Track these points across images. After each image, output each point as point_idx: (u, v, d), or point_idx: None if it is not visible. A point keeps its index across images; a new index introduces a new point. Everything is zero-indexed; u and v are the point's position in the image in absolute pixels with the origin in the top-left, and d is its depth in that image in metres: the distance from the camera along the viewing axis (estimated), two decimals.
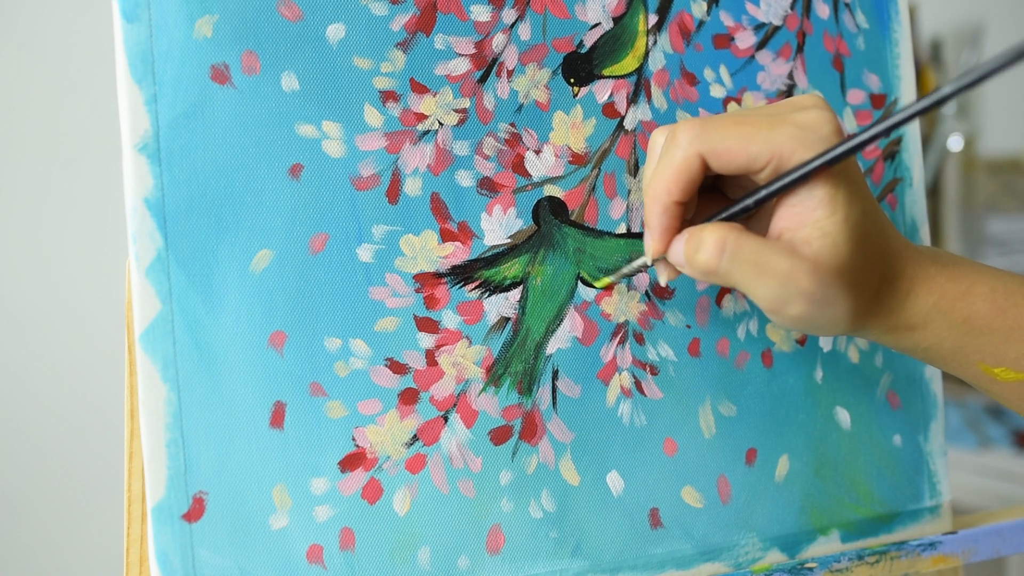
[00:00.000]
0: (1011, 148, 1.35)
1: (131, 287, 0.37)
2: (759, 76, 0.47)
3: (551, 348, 0.43)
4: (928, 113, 0.34)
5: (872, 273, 0.36)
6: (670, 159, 0.36)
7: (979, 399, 1.14)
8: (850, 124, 0.49)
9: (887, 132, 0.34)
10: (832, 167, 0.35)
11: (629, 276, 0.42)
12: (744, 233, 0.35)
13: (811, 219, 0.35)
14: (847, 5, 0.49)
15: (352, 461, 0.40)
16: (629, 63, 0.45)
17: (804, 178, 0.35)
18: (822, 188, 0.35)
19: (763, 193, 0.36)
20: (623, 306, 0.44)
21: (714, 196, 0.40)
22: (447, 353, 0.41)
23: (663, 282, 0.39)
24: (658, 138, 0.38)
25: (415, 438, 0.41)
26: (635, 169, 0.45)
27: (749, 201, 0.36)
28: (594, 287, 0.43)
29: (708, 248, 0.35)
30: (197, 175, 0.38)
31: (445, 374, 0.41)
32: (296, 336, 0.39)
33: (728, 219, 0.37)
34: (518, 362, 0.42)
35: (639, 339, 0.44)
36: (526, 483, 0.42)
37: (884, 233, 0.37)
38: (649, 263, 0.39)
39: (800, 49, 0.48)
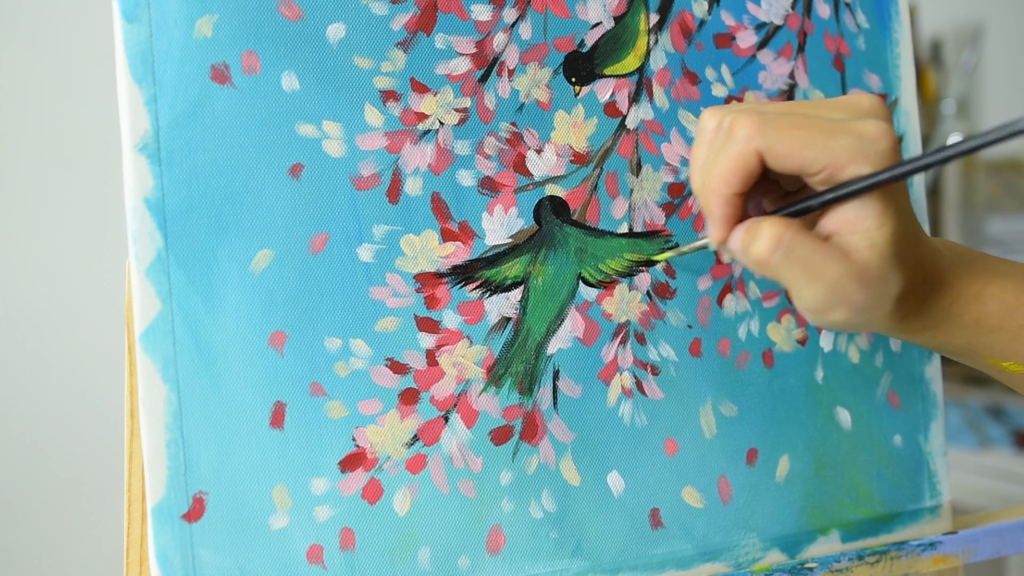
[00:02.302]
0: (1011, 148, 1.35)
1: (131, 287, 0.37)
2: (760, 75, 0.47)
3: (552, 348, 0.43)
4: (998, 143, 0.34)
5: (905, 282, 0.37)
6: (728, 154, 0.36)
7: (979, 399, 1.14)
8: None
9: (946, 160, 0.35)
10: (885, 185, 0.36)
11: (689, 253, 0.43)
12: (801, 232, 0.36)
13: (861, 227, 0.36)
14: (848, 5, 0.49)
15: (352, 461, 0.40)
16: (630, 62, 0.45)
17: (863, 191, 0.35)
18: (877, 201, 0.35)
19: (828, 197, 0.36)
20: (624, 306, 0.44)
21: (766, 183, 0.40)
22: (448, 353, 0.41)
23: (725, 260, 0.40)
24: (709, 121, 0.38)
25: (415, 438, 0.41)
26: (637, 168, 0.45)
27: (813, 203, 0.37)
28: (654, 262, 0.44)
29: (764, 241, 0.36)
30: (197, 175, 0.38)
31: (446, 374, 0.41)
32: (296, 336, 0.39)
33: (787, 215, 0.38)
34: (519, 362, 0.42)
35: (640, 339, 0.44)
36: (526, 483, 0.42)
37: (918, 242, 0.38)
38: (713, 247, 0.39)
39: (801, 49, 0.48)
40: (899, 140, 0.37)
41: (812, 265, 0.35)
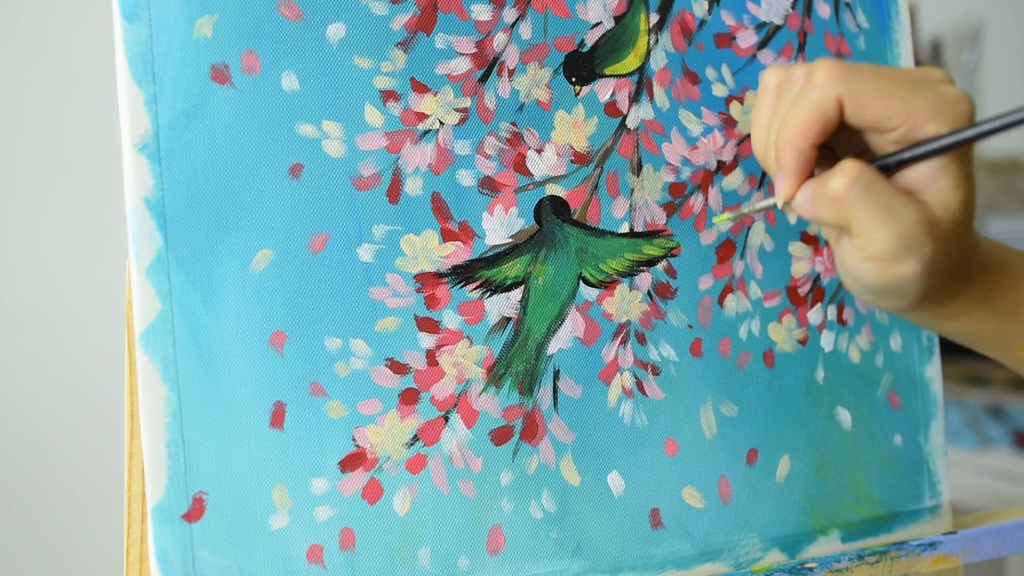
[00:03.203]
0: (1011, 148, 1.35)
1: (131, 287, 0.37)
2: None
3: (552, 348, 0.43)
4: None
5: (956, 256, 0.37)
6: (807, 100, 0.36)
7: (979, 399, 1.14)
8: None
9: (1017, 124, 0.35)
10: (963, 147, 0.36)
11: (751, 215, 0.42)
12: (880, 175, 0.36)
13: (935, 187, 0.36)
14: (848, 5, 0.49)
15: (352, 461, 0.39)
16: (631, 62, 0.45)
17: (945, 149, 0.35)
18: (954, 163, 0.35)
19: (908, 155, 0.36)
20: (625, 306, 0.44)
21: (824, 152, 0.40)
22: (448, 353, 0.41)
23: (782, 206, 0.39)
24: (772, 77, 0.38)
25: (415, 438, 0.41)
26: (638, 168, 0.45)
27: (891, 160, 0.36)
28: (715, 223, 0.44)
29: (843, 176, 0.35)
30: (197, 175, 0.38)
31: (446, 374, 0.41)
32: (296, 336, 0.39)
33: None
34: (519, 362, 0.42)
35: (641, 339, 0.44)
36: (527, 483, 0.42)
37: (972, 226, 0.38)
38: (779, 205, 0.38)
39: (801, 48, 0.48)
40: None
41: (889, 207, 0.35)
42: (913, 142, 0.36)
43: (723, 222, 0.44)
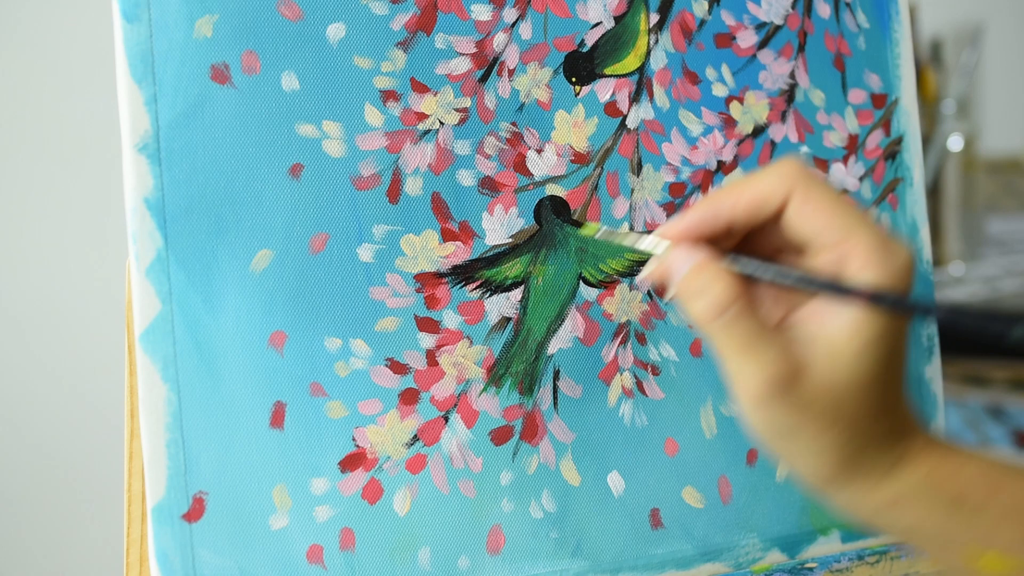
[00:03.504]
0: (1011, 148, 1.35)
1: (131, 287, 0.37)
2: (761, 75, 0.47)
3: (552, 348, 0.43)
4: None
5: (863, 424, 0.32)
6: (760, 177, 0.33)
7: (979, 399, 1.14)
8: (851, 123, 0.49)
9: (951, 321, 0.31)
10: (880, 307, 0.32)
11: (620, 243, 0.39)
12: (751, 308, 0.32)
13: (828, 328, 0.32)
14: (848, 5, 0.49)
15: (352, 461, 0.39)
16: (631, 62, 0.45)
17: (852, 297, 0.31)
18: (875, 323, 0.31)
19: (814, 284, 0.32)
20: (625, 306, 0.44)
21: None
22: (448, 353, 0.41)
23: (640, 277, 0.36)
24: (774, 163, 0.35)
25: (415, 438, 0.41)
26: (638, 168, 0.45)
27: (793, 279, 0.32)
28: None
29: (710, 300, 0.32)
30: (197, 175, 0.38)
31: (446, 374, 0.41)
32: (296, 336, 0.39)
33: (748, 277, 0.33)
34: (519, 362, 0.42)
35: (641, 339, 0.44)
36: (527, 483, 0.42)
37: (897, 391, 0.33)
38: (655, 252, 0.34)
39: (801, 48, 0.48)
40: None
41: (752, 343, 0.31)
42: (832, 275, 0.32)
43: (592, 232, 0.41)
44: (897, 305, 0.31)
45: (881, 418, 0.33)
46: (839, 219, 0.32)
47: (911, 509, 0.33)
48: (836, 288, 0.32)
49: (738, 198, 0.33)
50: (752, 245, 0.35)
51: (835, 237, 0.32)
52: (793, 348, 0.32)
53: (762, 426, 0.32)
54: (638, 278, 0.37)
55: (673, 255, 0.33)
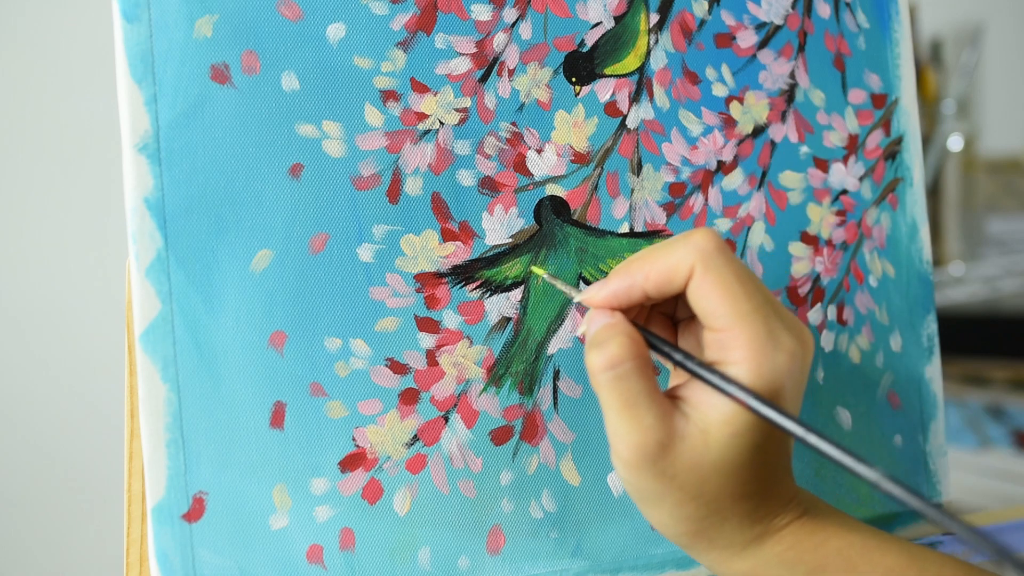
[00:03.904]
0: (1011, 148, 1.35)
1: (131, 287, 0.37)
2: (761, 75, 0.47)
3: (552, 348, 0.43)
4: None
5: (725, 503, 0.34)
6: (671, 251, 0.34)
7: (979, 399, 1.14)
8: (851, 123, 0.49)
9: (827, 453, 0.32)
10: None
11: (561, 287, 0.40)
12: (640, 370, 0.33)
13: (705, 409, 0.33)
14: (848, 5, 0.49)
15: (352, 461, 0.39)
16: (631, 62, 0.45)
17: (722, 393, 0.33)
18: (734, 406, 0.33)
19: (692, 367, 0.34)
20: None
21: (663, 318, 0.38)
22: (448, 353, 0.41)
23: (576, 333, 0.38)
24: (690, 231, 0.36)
25: (415, 438, 0.41)
26: (638, 168, 0.45)
27: (677, 357, 0.34)
28: (532, 270, 0.42)
29: (604, 355, 0.33)
30: (197, 175, 0.38)
31: (446, 374, 0.41)
32: (296, 336, 0.39)
33: (650, 345, 0.35)
34: (519, 362, 0.42)
35: None
36: (527, 483, 0.42)
37: (767, 477, 0.34)
38: (575, 299, 0.37)
39: (801, 48, 0.48)
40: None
41: (633, 404, 0.33)
42: (720, 357, 0.33)
43: (539, 273, 0.42)
44: (767, 418, 0.32)
45: (743, 500, 0.34)
46: (726, 307, 0.33)
47: None
48: (707, 380, 0.33)
49: (648, 273, 0.34)
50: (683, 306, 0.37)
51: (719, 324, 0.33)
52: (673, 418, 0.33)
53: (628, 486, 0.34)
54: (577, 333, 0.40)
55: (592, 315, 0.36)
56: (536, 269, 0.42)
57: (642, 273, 0.35)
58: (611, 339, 0.34)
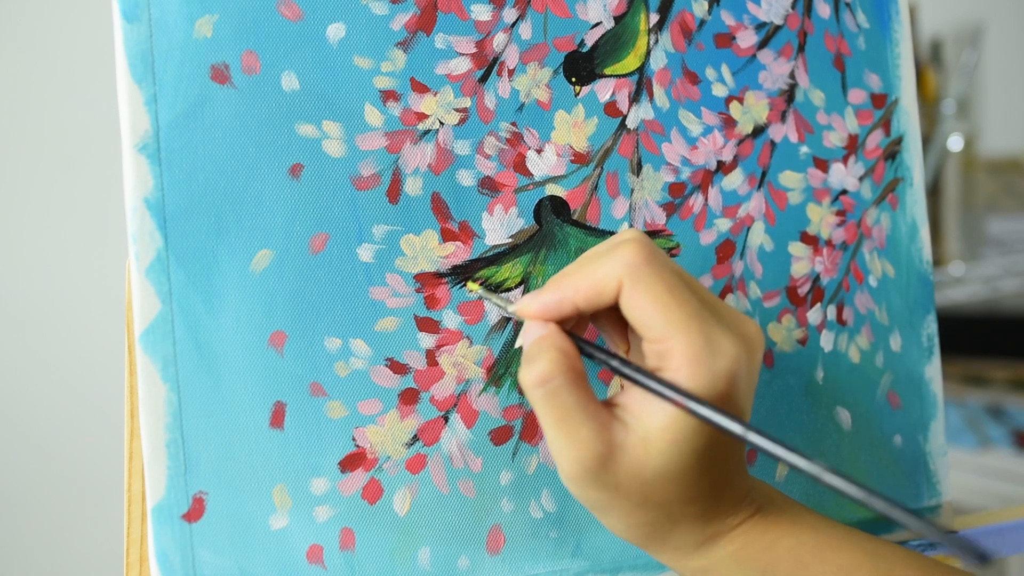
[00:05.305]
0: (1011, 148, 1.35)
1: (131, 287, 0.37)
2: (761, 75, 0.47)
3: None
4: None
5: (673, 508, 0.34)
6: (596, 268, 0.34)
7: (979, 399, 1.14)
8: (851, 123, 0.49)
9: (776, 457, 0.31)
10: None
11: (495, 303, 0.40)
12: (573, 384, 0.33)
13: (645, 417, 0.33)
14: (848, 5, 0.49)
15: (352, 461, 0.40)
16: (631, 62, 0.45)
17: (663, 398, 0.32)
18: (676, 410, 0.32)
19: (628, 373, 0.33)
20: None
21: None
22: (448, 353, 0.41)
23: (516, 345, 0.37)
24: (608, 241, 0.36)
25: (415, 438, 0.41)
26: (638, 168, 0.45)
27: (613, 364, 0.34)
28: (468, 287, 0.42)
29: (535, 371, 0.33)
30: (197, 175, 0.38)
31: (446, 374, 0.41)
32: (296, 336, 0.39)
33: (585, 353, 0.35)
34: (519, 362, 0.42)
35: None
36: (526, 483, 0.42)
37: (717, 480, 0.34)
38: (511, 312, 0.37)
39: (801, 48, 0.48)
40: (729, 390, 0.33)
41: (569, 422, 0.32)
42: (658, 365, 0.33)
43: (474, 290, 0.41)
44: (708, 420, 0.32)
45: (692, 504, 0.34)
46: (658, 317, 0.33)
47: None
48: (644, 384, 0.33)
49: (578, 288, 0.34)
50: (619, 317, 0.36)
51: (654, 335, 0.33)
52: (612, 429, 0.33)
53: (577, 498, 0.34)
54: (516, 344, 0.39)
55: (526, 327, 0.35)
56: (471, 284, 0.41)
57: (572, 288, 0.34)
58: (541, 354, 0.33)
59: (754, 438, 0.31)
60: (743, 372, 0.33)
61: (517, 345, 0.37)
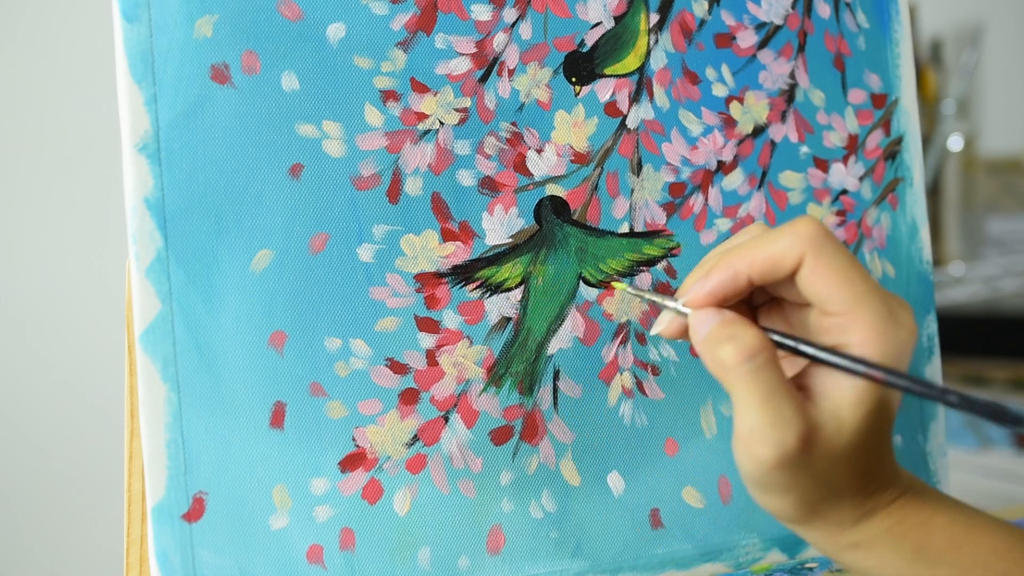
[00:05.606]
0: (1011, 148, 1.35)
1: (131, 287, 0.37)
2: (761, 75, 0.47)
3: (552, 348, 0.43)
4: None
5: (844, 484, 0.34)
6: (771, 239, 0.34)
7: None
8: (851, 123, 0.49)
9: (962, 407, 0.32)
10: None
11: (647, 300, 0.40)
12: (776, 361, 0.33)
13: (835, 396, 0.33)
14: (848, 5, 0.49)
15: (352, 461, 0.39)
16: (631, 62, 0.45)
17: (861, 374, 0.33)
18: (874, 392, 0.33)
19: (823, 357, 0.33)
20: (625, 306, 0.44)
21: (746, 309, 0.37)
22: (448, 353, 0.41)
23: (654, 331, 0.37)
24: (754, 228, 0.36)
25: (415, 438, 0.41)
26: (638, 168, 0.45)
27: (806, 349, 0.34)
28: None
29: (737, 347, 0.33)
30: (197, 175, 0.38)
31: (446, 374, 0.41)
32: (296, 336, 0.39)
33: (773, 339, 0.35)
34: (519, 362, 0.42)
35: (640, 339, 0.44)
36: (527, 483, 0.42)
37: (880, 454, 0.35)
38: (684, 311, 0.35)
39: (801, 48, 0.48)
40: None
41: (772, 398, 0.32)
42: (839, 340, 0.33)
43: (621, 289, 0.41)
44: (909, 389, 0.32)
45: (859, 478, 0.34)
46: (845, 290, 0.33)
47: (874, 554, 0.35)
48: (840, 365, 0.33)
49: (753, 260, 0.34)
50: (767, 291, 0.36)
51: (839, 307, 0.33)
52: (807, 409, 0.33)
53: (755, 481, 0.34)
54: (652, 331, 0.37)
55: (700, 315, 0.34)
56: (617, 285, 0.41)
57: (745, 262, 0.34)
58: (740, 332, 0.33)
59: (952, 398, 0.32)
60: (914, 345, 0.34)
61: (656, 331, 0.36)
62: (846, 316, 0.33)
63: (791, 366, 0.36)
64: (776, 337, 0.34)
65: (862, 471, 0.34)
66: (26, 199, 0.91)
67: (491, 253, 0.42)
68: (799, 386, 0.34)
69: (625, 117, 0.44)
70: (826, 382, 0.34)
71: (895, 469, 0.36)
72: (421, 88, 0.41)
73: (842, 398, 0.33)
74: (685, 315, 0.35)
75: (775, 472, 0.33)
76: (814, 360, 0.34)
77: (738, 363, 0.33)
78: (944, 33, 1.33)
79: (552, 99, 0.43)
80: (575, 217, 0.43)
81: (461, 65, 0.42)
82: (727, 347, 0.33)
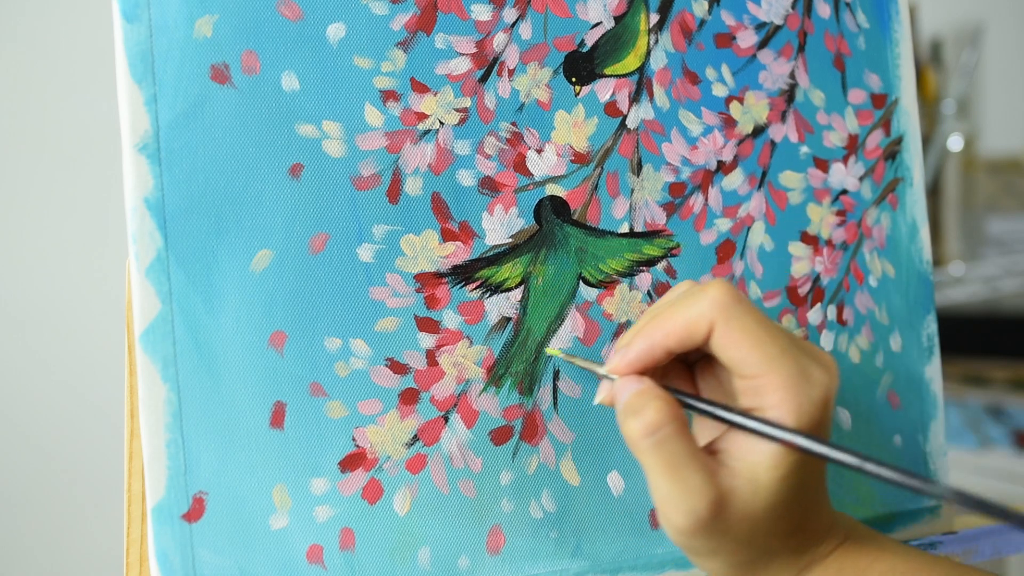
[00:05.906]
0: (1011, 148, 1.35)
1: (131, 287, 0.37)
2: (761, 75, 0.47)
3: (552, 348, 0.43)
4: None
5: (774, 543, 0.35)
6: (683, 308, 0.35)
7: (979, 399, 1.14)
8: (851, 123, 0.49)
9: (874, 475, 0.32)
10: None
11: (581, 365, 0.40)
12: (682, 433, 0.34)
13: (750, 459, 0.33)
14: (848, 5, 0.49)
15: (352, 461, 0.40)
16: (631, 62, 0.45)
17: (770, 439, 0.33)
18: (789, 456, 0.33)
19: (736, 420, 0.34)
20: (625, 306, 0.44)
21: (683, 369, 0.38)
22: (448, 353, 0.41)
23: (595, 402, 0.38)
24: (684, 285, 0.37)
25: (415, 438, 0.41)
26: (638, 168, 0.45)
27: (720, 413, 0.34)
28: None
29: (642, 421, 0.33)
30: (197, 175, 0.38)
31: (446, 374, 0.41)
32: (296, 336, 0.39)
33: (684, 404, 0.36)
34: (519, 362, 0.42)
35: None
36: (527, 483, 0.42)
37: (810, 508, 0.35)
38: (607, 377, 0.37)
39: (801, 48, 0.48)
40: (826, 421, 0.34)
41: (678, 468, 0.33)
42: (755, 403, 0.34)
43: (554, 354, 0.42)
44: (815, 453, 0.33)
45: (790, 536, 0.35)
46: (755, 354, 0.33)
47: None
48: (754, 429, 0.33)
49: (668, 330, 0.35)
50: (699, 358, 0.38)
51: (751, 371, 0.34)
52: (719, 474, 0.34)
53: (680, 546, 0.35)
54: (595, 400, 0.39)
55: (620, 383, 0.36)
56: (550, 350, 0.42)
57: (661, 332, 0.35)
58: (647, 404, 0.34)
59: (871, 467, 0.32)
60: (832, 398, 0.34)
61: (597, 401, 0.37)
62: (759, 379, 0.33)
63: (715, 427, 0.37)
64: (690, 401, 0.35)
65: (791, 528, 0.35)
66: (26, 199, 0.91)
67: (491, 253, 0.42)
68: (718, 449, 0.35)
69: (625, 117, 0.44)
70: (742, 445, 0.34)
71: (832, 519, 0.36)
72: (421, 88, 0.41)
73: (757, 462, 0.33)
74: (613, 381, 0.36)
75: (693, 538, 0.34)
76: (729, 424, 0.34)
77: (641, 437, 0.34)
78: (944, 33, 1.33)
79: (552, 99, 0.43)
80: (575, 217, 0.43)
81: (461, 65, 0.42)
82: (631, 421, 0.34)
